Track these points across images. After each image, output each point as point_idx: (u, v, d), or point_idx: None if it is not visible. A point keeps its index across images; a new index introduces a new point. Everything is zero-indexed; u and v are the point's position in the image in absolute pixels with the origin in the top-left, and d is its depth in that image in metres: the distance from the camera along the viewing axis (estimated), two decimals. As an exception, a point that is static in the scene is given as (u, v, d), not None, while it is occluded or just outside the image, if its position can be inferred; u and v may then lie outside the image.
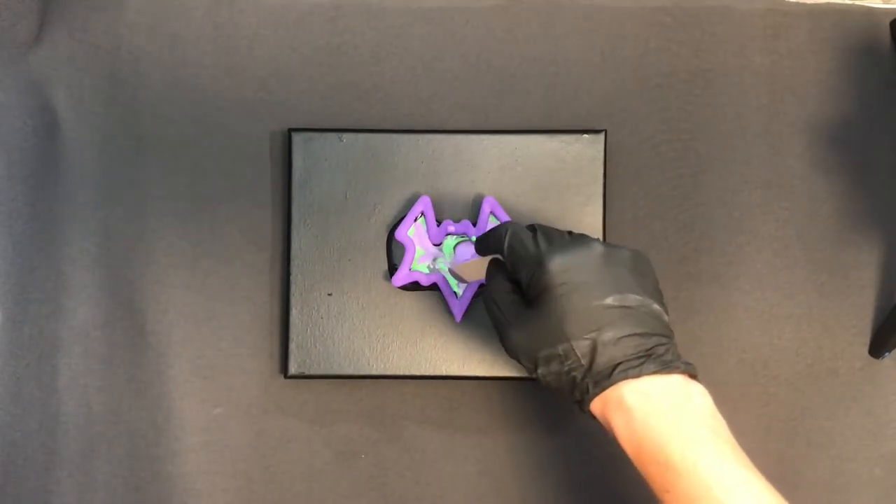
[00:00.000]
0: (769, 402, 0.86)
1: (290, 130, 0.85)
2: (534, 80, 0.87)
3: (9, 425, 0.84)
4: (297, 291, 0.84)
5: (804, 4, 0.87)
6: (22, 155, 0.85)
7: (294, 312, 0.84)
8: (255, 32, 0.87)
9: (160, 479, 0.85)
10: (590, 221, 0.84)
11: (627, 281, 0.70)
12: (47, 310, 0.85)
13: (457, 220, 0.84)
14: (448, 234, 0.83)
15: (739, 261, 0.86)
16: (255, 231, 0.86)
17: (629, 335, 0.68)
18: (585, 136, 0.85)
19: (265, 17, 0.87)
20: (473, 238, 0.82)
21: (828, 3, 0.87)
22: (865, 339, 0.86)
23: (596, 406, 0.69)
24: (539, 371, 0.70)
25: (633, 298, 0.69)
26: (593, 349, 0.68)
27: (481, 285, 0.82)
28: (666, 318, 0.71)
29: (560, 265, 0.69)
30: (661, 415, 0.67)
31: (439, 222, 0.84)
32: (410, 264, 0.83)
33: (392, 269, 0.84)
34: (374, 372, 0.84)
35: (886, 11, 0.87)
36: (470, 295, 0.83)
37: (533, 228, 0.73)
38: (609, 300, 0.68)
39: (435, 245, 0.84)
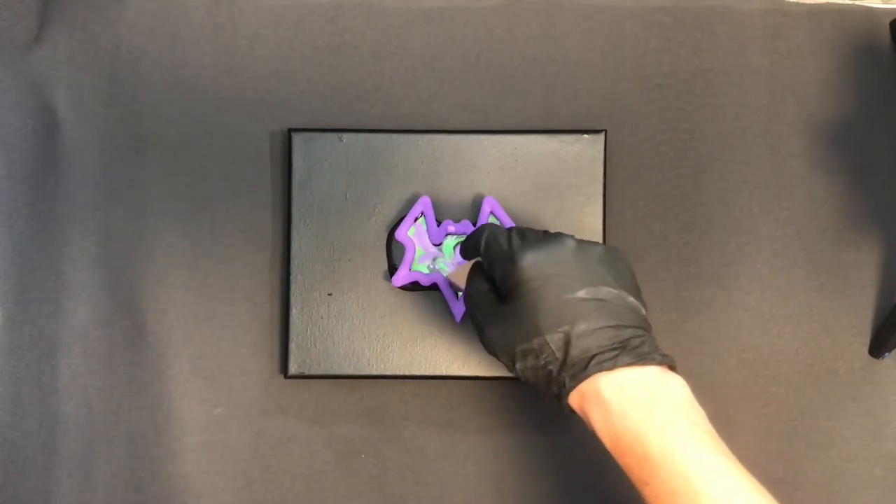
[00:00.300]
0: (769, 402, 0.86)
1: (290, 130, 0.85)
2: (534, 80, 0.87)
3: (9, 425, 0.84)
4: (297, 291, 0.84)
5: (804, 4, 0.87)
6: (22, 155, 0.85)
7: (294, 312, 0.84)
8: (255, 32, 0.87)
9: (160, 479, 0.85)
10: (590, 221, 0.84)
11: (601, 274, 0.69)
12: (47, 310, 0.85)
13: (457, 221, 0.84)
14: (448, 235, 0.83)
15: (739, 261, 0.86)
16: (255, 231, 0.86)
17: (603, 327, 0.67)
18: (585, 136, 0.85)
19: (265, 17, 0.87)
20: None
21: (828, 3, 0.87)
22: (865, 339, 0.86)
23: (574, 399, 0.68)
24: (517, 366, 0.70)
25: (607, 291, 0.68)
26: (567, 342, 0.67)
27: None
28: (643, 311, 0.70)
29: (531, 260, 0.69)
30: (638, 406, 0.66)
31: (439, 222, 0.84)
32: (410, 264, 0.83)
33: (392, 269, 0.84)
34: (374, 372, 0.84)
35: (886, 11, 0.87)
36: (470, 295, 0.83)
37: (511, 229, 0.73)
38: (581, 293, 0.68)
39: (435, 245, 0.84)
